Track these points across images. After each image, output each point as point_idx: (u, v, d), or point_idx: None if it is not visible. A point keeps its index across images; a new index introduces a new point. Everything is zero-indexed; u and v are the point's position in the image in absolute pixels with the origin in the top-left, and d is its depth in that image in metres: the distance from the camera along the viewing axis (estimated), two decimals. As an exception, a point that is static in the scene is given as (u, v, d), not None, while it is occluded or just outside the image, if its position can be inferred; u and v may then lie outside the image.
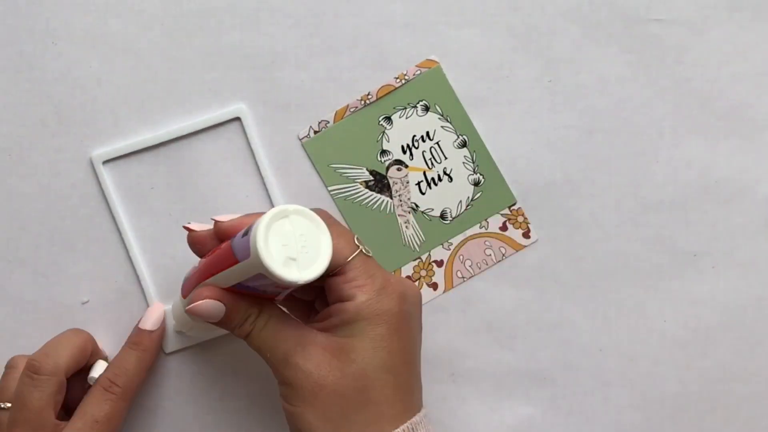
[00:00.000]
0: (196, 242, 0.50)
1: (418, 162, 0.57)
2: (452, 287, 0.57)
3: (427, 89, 0.57)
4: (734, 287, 0.57)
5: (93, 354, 0.55)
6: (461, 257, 0.57)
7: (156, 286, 0.56)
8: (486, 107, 0.57)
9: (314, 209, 0.45)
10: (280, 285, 0.43)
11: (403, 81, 0.57)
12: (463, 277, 0.57)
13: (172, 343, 0.56)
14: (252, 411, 0.57)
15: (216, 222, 0.49)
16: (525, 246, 0.57)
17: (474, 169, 0.57)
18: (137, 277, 0.56)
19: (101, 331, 0.56)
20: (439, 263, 0.57)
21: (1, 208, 0.56)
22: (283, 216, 0.43)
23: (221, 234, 0.48)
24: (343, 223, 0.56)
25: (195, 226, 0.50)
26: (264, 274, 0.42)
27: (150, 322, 0.55)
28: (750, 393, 0.57)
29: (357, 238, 0.47)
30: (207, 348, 0.57)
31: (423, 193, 0.57)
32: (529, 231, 0.57)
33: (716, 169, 0.57)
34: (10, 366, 0.54)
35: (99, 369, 0.54)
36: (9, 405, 0.52)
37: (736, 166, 0.57)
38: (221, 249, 0.46)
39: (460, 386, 0.57)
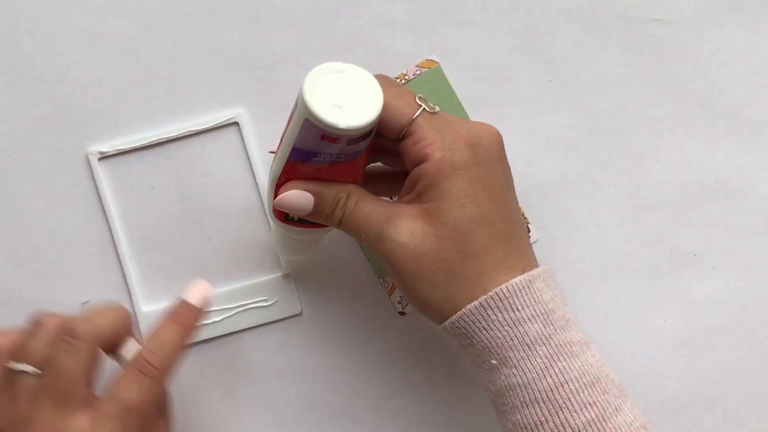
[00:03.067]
0: None
1: (418, 162, 0.57)
2: (452, 287, 0.57)
3: (427, 89, 0.57)
4: (734, 287, 0.57)
5: (128, 332, 0.49)
6: (461, 257, 0.57)
7: (155, 286, 0.56)
8: (486, 107, 0.57)
9: (375, 75, 0.46)
10: (329, 135, 0.43)
11: (403, 81, 0.57)
12: (463, 277, 0.57)
13: None
14: (252, 411, 0.57)
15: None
16: (525, 246, 0.57)
17: (474, 169, 0.57)
18: (136, 277, 0.56)
19: (101, 331, 0.56)
20: (439, 263, 0.57)
21: (1, 208, 0.56)
22: (337, 71, 0.44)
23: None
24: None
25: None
26: (312, 122, 0.43)
27: (196, 297, 0.49)
28: (750, 393, 0.57)
29: (419, 97, 0.46)
30: (206, 348, 0.57)
31: (423, 193, 0.57)
32: (529, 231, 0.57)
33: (716, 169, 0.57)
34: (38, 323, 0.46)
35: (130, 347, 0.48)
36: (37, 371, 0.44)
37: (736, 166, 0.57)
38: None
39: (460, 385, 0.57)
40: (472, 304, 0.45)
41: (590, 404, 0.44)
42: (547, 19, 0.57)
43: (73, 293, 0.56)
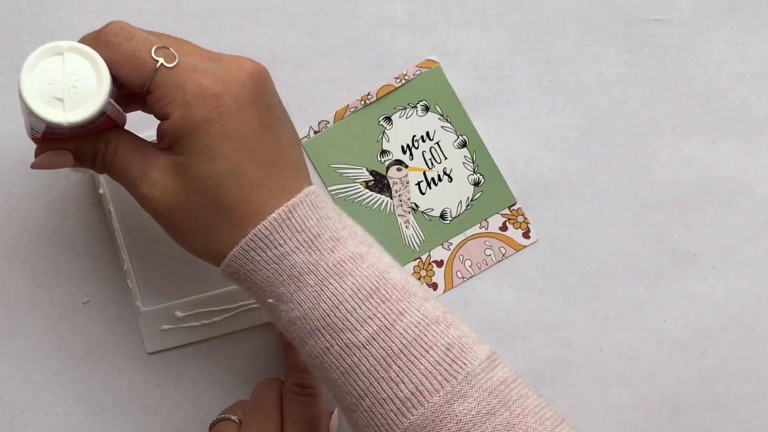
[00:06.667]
0: None
1: (418, 162, 0.57)
2: (452, 287, 0.57)
3: (427, 89, 0.57)
4: (734, 287, 0.57)
5: None
6: (461, 257, 0.57)
7: (155, 286, 0.56)
8: (486, 107, 0.57)
9: (105, 26, 0.44)
10: (54, 126, 0.42)
11: (403, 81, 0.57)
12: (463, 277, 0.57)
13: (154, 344, 0.56)
14: (252, 411, 0.57)
15: None
16: (525, 246, 0.57)
17: (474, 169, 0.57)
18: (136, 277, 0.56)
19: (101, 331, 0.56)
20: (439, 263, 0.57)
21: (1, 208, 0.56)
22: (55, 53, 0.42)
23: None
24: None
25: None
26: (35, 116, 0.41)
27: None
28: (750, 393, 0.57)
29: (156, 49, 0.44)
30: (206, 348, 0.57)
31: (423, 193, 0.57)
32: (529, 231, 0.57)
33: (716, 169, 0.57)
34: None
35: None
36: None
37: (736, 166, 0.57)
38: None
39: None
40: (235, 249, 0.44)
41: (369, 317, 0.43)
42: (547, 19, 0.57)
43: (73, 293, 0.56)
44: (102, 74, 0.42)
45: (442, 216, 0.57)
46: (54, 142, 0.46)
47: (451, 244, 0.57)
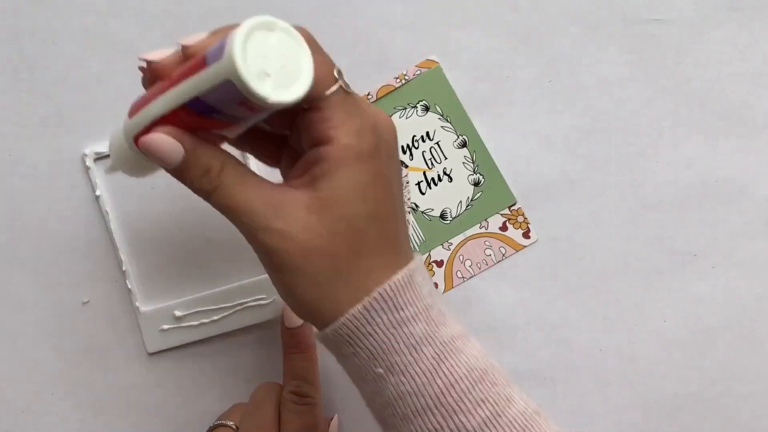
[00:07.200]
0: (161, 76, 0.42)
1: (418, 162, 0.57)
2: (452, 287, 0.57)
3: (427, 89, 0.57)
4: (734, 287, 0.57)
5: None
6: (461, 257, 0.57)
7: (155, 286, 0.56)
8: (486, 107, 0.58)
9: (296, 27, 0.40)
10: (249, 103, 0.38)
11: (403, 81, 0.57)
12: (463, 277, 0.57)
13: (155, 344, 0.56)
14: (252, 411, 0.57)
15: (183, 46, 0.41)
16: (525, 246, 0.57)
17: (474, 169, 0.58)
18: (135, 277, 0.56)
19: (101, 331, 0.56)
20: (439, 263, 0.57)
21: (1, 208, 0.56)
22: (268, 28, 0.39)
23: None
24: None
25: (156, 55, 0.42)
26: (233, 83, 0.37)
27: (294, 319, 0.52)
28: (750, 393, 0.57)
29: (338, 71, 0.41)
30: (206, 348, 0.57)
31: (423, 193, 0.57)
32: (529, 231, 0.57)
33: (716, 169, 0.58)
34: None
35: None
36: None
37: (736, 166, 0.58)
38: (189, 62, 0.40)
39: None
40: (356, 306, 0.40)
41: (482, 401, 0.40)
42: (547, 19, 0.57)
43: (73, 293, 0.56)
44: (308, 60, 0.39)
45: (442, 216, 0.57)
46: (176, 126, 0.41)
47: (451, 244, 0.57)
